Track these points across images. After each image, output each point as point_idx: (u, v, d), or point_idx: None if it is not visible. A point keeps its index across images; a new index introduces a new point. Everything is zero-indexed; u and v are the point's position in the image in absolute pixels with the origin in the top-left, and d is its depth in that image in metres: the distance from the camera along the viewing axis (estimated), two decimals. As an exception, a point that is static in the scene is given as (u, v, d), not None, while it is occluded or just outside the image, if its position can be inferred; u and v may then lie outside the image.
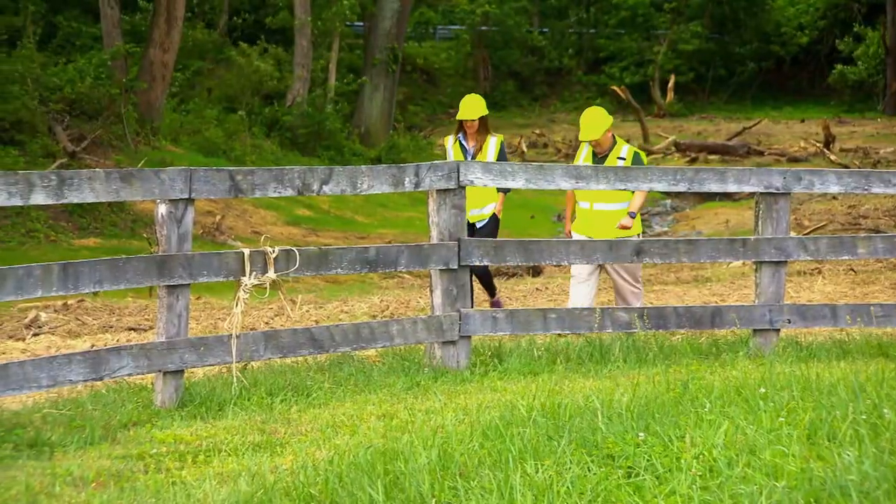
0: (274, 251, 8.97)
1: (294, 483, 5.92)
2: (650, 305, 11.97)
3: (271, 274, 8.95)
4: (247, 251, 8.91)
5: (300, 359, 9.87)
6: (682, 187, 10.38)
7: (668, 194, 32.24)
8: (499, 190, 12.56)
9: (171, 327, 8.57)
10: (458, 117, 12.89)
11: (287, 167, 9.30)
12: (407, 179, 9.54)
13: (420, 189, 9.66)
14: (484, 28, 49.10)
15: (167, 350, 8.50)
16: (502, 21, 49.00)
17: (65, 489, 6.54)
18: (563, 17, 52.75)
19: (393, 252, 9.61)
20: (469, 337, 9.86)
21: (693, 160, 35.92)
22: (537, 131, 42.55)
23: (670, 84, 47.31)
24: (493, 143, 12.81)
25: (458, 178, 9.69)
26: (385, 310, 14.83)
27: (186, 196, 8.53)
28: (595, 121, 11.88)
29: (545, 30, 52.05)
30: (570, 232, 12.08)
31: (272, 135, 33.33)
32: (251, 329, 11.80)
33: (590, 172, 10.14)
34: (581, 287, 11.87)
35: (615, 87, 43.92)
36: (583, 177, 10.11)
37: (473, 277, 12.43)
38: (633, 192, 11.45)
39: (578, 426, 6.24)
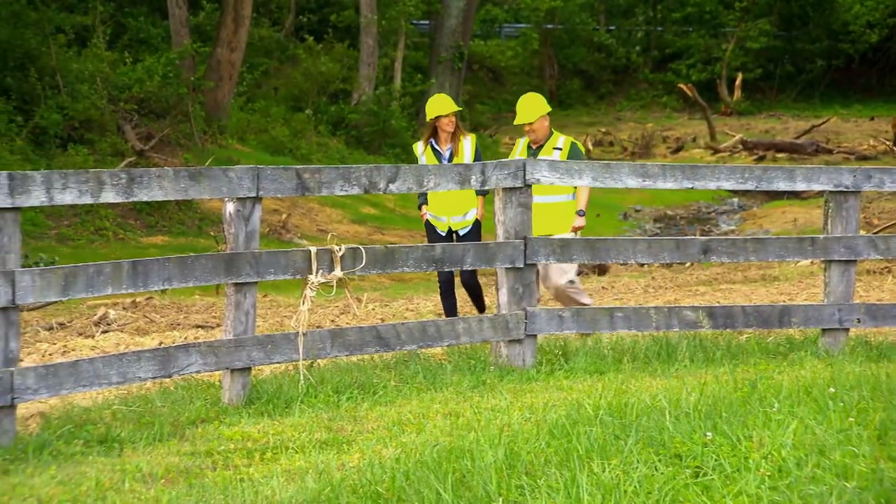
0: (341, 249, 9.00)
1: (361, 481, 5.94)
2: (718, 304, 11.87)
3: (338, 272, 8.98)
4: (314, 249, 8.94)
5: (366, 357, 9.89)
6: (750, 186, 10.31)
7: (735, 193, 32.04)
8: (478, 193, 11.76)
9: (239, 325, 8.61)
10: (430, 116, 11.96)
11: (354, 165, 9.33)
12: (473, 178, 9.54)
13: (486, 187, 9.68)
14: (550, 26, 48.97)
15: (235, 348, 8.55)
16: (568, 18, 48.84)
17: (134, 485, 6.59)
18: (629, 15, 52.53)
19: (459, 250, 9.61)
20: (535, 335, 9.85)
21: (760, 158, 35.65)
22: (603, 129, 42.40)
23: (738, 82, 46.95)
24: (468, 145, 11.99)
25: (525, 176, 9.68)
26: (451, 308, 14.81)
27: (254, 194, 8.58)
28: (531, 105, 11.62)
29: (612, 27, 51.85)
30: None
31: (338, 133, 33.43)
32: (317, 327, 11.85)
33: (657, 171, 10.09)
34: None
35: (682, 85, 43.67)
36: (650, 175, 10.06)
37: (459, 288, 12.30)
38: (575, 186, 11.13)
39: (645, 425, 6.21)
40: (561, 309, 10.17)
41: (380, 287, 18.24)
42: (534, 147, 11.64)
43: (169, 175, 8.26)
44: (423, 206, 12.05)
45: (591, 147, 38.81)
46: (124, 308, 14.90)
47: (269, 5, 41.22)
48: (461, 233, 11.94)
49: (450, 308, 12.05)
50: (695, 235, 21.87)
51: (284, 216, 24.30)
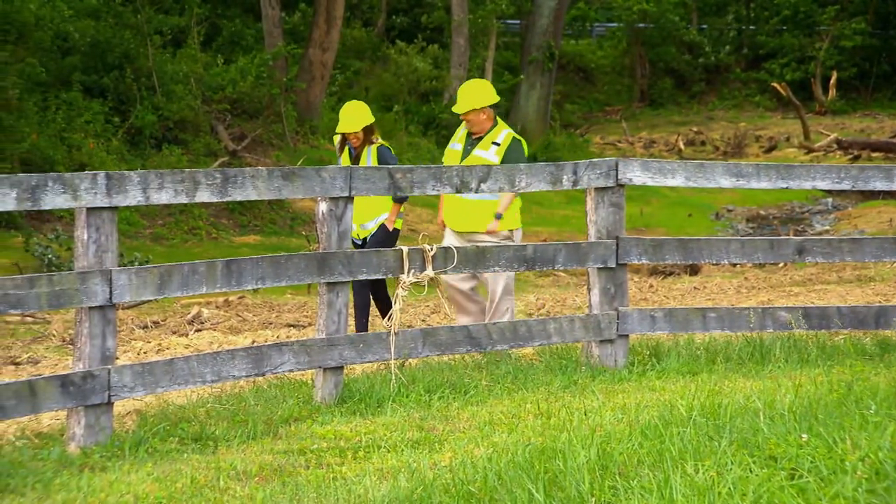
0: (432, 249, 9.02)
1: (453, 480, 5.94)
2: (812, 305, 11.75)
3: (429, 271, 9.00)
4: (405, 249, 8.97)
5: (457, 356, 9.91)
6: (845, 185, 10.19)
7: (829, 192, 31.67)
8: (395, 200, 11.27)
9: (331, 324, 8.66)
10: (338, 130, 11.54)
11: (445, 165, 9.35)
12: (565, 177, 9.52)
13: (578, 187, 9.63)
14: (641, 25, 48.71)
15: (327, 347, 8.60)
16: (660, 18, 48.55)
17: (229, 483, 6.65)
18: (721, 14, 52.10)
19: (550, 250, 9.60)
20: (627, 336, 9.81)
21: (855, 158, 35.21)
22: (695, 129, 42.09)
23: (832, 81, 46.40)
24: (370, 152, 11.47)
25: (617, 175, 9.64)
26: (541, 308, 14.82)
27: (346, 194, 8.62)
28: (470, 94, 10.98)
29: (703, 26, 51.47)
30: (442, 221, 11.18)
31: (428, 133, 33.51)
32: (408, 326, 11.88)
33: (751, 170, 10.00)
34: (457, 296, 11.08)
35: (775, 84, 43.25)
36: (744, 174, 9.97)
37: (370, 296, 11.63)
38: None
39: (739, 427, 6.16)
40: (653, 309, 10.12)
41: (470, 287, 18.23)
42: (474, 136, 11.01)
43: (263, 175, 8.32)
44: None
45: (682, 146, 38.57)
46: (217, 307, 15.05)
47: (361, 6, 41.41)
48: (367, 240, 11.45)
49: (363, 327, 11.47)
50: (788, 235, 21.67)
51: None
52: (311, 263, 8.53)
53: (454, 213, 10.95)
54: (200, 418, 8.21)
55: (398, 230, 11.60)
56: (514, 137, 10.94)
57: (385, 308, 11.40)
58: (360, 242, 11.45)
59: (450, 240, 10.78)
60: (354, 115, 11.46)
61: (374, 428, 7.86)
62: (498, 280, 10.86)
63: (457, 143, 11.08)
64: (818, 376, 7.97)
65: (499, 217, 10.81)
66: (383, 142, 11.63)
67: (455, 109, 11.03)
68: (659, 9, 47.32)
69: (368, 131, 11.50)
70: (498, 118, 11.11)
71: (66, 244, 16.91)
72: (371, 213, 11.39)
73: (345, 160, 11.59)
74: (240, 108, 28.07)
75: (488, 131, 10.97)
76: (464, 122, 11.06)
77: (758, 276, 18.21)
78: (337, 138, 11.73)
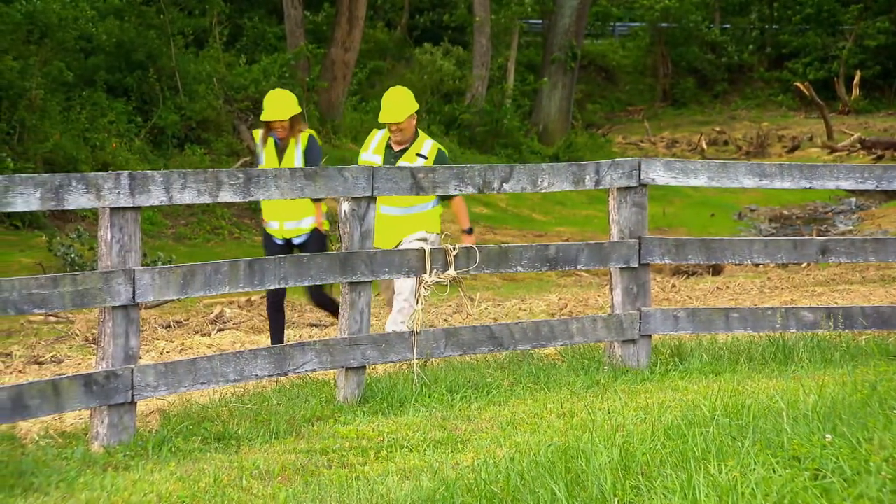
0: (455, 248, 9.02)
1: (476, 480, 5.94)
2: (836, 305, 11.70)
3: (452, 271, 9.00)
4: (428, 248, 8.97)
5: (479, 356, 9.91)
6: (869, 185, 10.15)
7: (852, 192, 31.57)
8: (314, 200, 10.72)
9: (354, 324, 8.67)
10: (263, 118, 10.96)
11: (468, 165, 9.35)
12: (587, 177, 9.51)
13: (600, 187, 9.62)
14: (664, 25, 48.65)
15: (350, 346, 8.61)
16: (682, 17, 48.47)
17: (252, 482, 6.66)
18: (744, 13, 51.99)
19: (573, 250, 9.59)
20: (649, 336, 9.80)
21: (879, 158, 35.09)
22: (717, 129, 42.01)
23: (856, 80, 46.25)
24: (298, 143, 10.91)
25: (640, 175, 9.62)
26: (563, 308, 14.81)
27: (369, 194, 8.63)
28: (400, 102, 10.49)
29: (726, 26, 51.37)
30: None
31: (451, 132, 33.52)
32: (430, 326, 11.90)
33: (774, 170, 9.97)
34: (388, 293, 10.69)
35: (798, 84, 43.15)
36: (767, 175, 9.94)
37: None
38: (431, 195, 9.90)
39: (763, 427, 6.14)
40: (676, 309, 10.10)
41: (492, 286, 18.25)
42: (395, 149, 10.52)
43: (285, 174, 8.34)
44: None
45: (705, 146, 38.50)
46: (239, 306, 15.07)
47: (384, 6, 41.45)
48: (295, 241, 10.92)
49: (277, 328, 11.09)
50: (812, 235, 21.60)
51: (397, 216, 24.39)
52: (334, 263, 8.54)
53: (383, 230, 10.20)
54: (223, 418, 8.23)
55: (327, 231, 11.13)
56: (439, 149, 10.55)
57: (331, 309, 11.17)
58: (282, 242, 10.95)
59: None
60: (282, 104, 10.93)
61: (396, 428, 7.87)
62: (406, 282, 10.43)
63: (374, 155, 10.57)
64: (842, 376, 7.94)
65: (470, 232, 10.53)
66: (311, 131, 11.12)
67: (388, 119, 10.42)
68: (681, 8, 47.23)
69: (295, 121, 10.94)
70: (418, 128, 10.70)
71: (88, 244, 16.96)
72: (297, 213, 10.84)
73: (269, 151, 11.01)
74: (262, 108, 28.08)
75: (412, 142, 10.55)
76: (379, 133, 10.63)
77: (781, 276, 18.17)
78: (259, 134, 11.12)
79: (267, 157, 11.00)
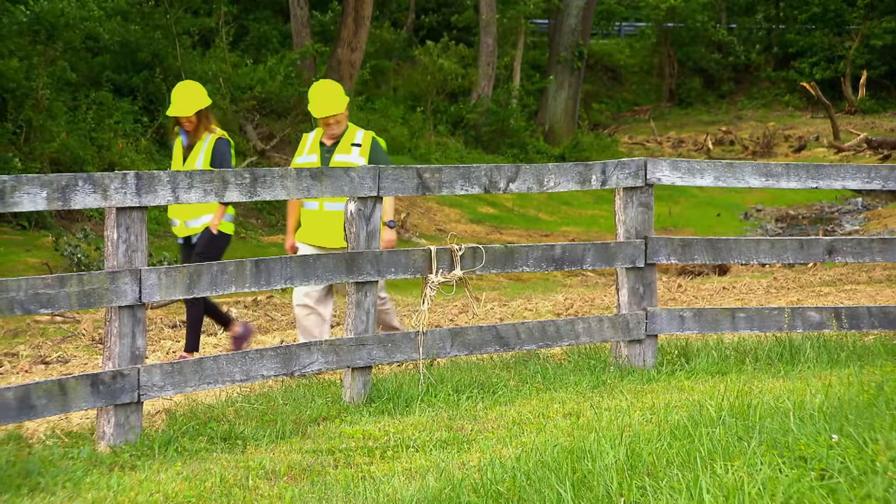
0: (461, 248, 9.02)
1: (482, 480, 5.94)
2: (842, 305, 11.68)
3: (458, 271, 9.00)
4: (434, 248, 8.97)
5: (485, 356, 9.91)
6: (875, 185, 10.15)
7: (859, 192, 31.54)
8: (223, 203, 10.41)
9: (360, 324, 8.67)
10: (168, 113, 10.63)
11: (474, 165, 9.35)
12: (594, 177, 9.51)
13: (606, 187, 9.61)
14: (670, 24, 48.62)
15: (356, 346, 8.61)
16: (688, 17, 48.45)
17: (258, 482, 6.66)
18: (750, 13, 51.95)
19: (579, 250, 9.58)
20: (656, 336, 9.79)
21: (885, 157, 35.04)
22: (723, 128, 42.00)
23: (862, 80, 46.20)
24: (206, 143, 10.62)
25: (646, 175, 9.62)
26: (569, 308, 14.81)
27: (375, 194, 8.63)
28: (333, 94, 10.18)
29: (733, 25, 51.34)
30: (292, 246, 10.31)
31: (456, 132, 33.52)
32: (436, 326, 11.89)
33: (780, 170, 9.97)
34: (311, 318, 10.18)
35: (804, 84, 43.10)
36: (773, 174, 9.93)
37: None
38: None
39: (769, 427, 6.14)
40: (682, 309, 10.10)
41: (498, 286, 18.26)
42: (328, 143, 10.20)
43: (292, 175, 8.34)
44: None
45: (711, 146, 38.48)
46: (245, 306, 15.08)
47: (389, 5, 41.46)
48: (193, 240, 10.71)
49: (219, 316, 11.10)
50: (818, 235, 21.58)
51: (403, 215, 24.42)
52: (340, 263, 8.54)
53: (314, 229, 10.15)
54: (229, 418, 8.24)
55: (228, 235, 10.76)
56: (373, 137, 10.26)
57: (217, 318, 11.08)
58: (182, 241, 10.82)
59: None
60: (188, 98, 10.58)
61: (402, 427, 7.87)
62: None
63: (309, 156, 10.24)
64: (848, 377, 7.93)
65: (392, 226, 10.18)
66: (223, 133, 10.77)
67: (325, 112, 10.10)
68: (687, 7, 47.21)
69: (204, 117, 10.63)
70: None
71: (94, 243, 16.97)
72: (196, 210, 10.55)
73: (177, 148, 10.72)
74: (268, 108, 28.12)
75: (342, 135, 10.22)
76: (311, 136, 10.33)
77: (787, 276, 18.16)
78: (177, 135, 10.81)
79: (175, 155, 10.73)
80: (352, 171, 8.58)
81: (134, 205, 7.58)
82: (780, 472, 5.44)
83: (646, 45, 50.24)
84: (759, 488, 5.26)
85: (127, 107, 24.53)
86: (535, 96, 37.51)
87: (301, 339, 10.14)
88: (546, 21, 41.66)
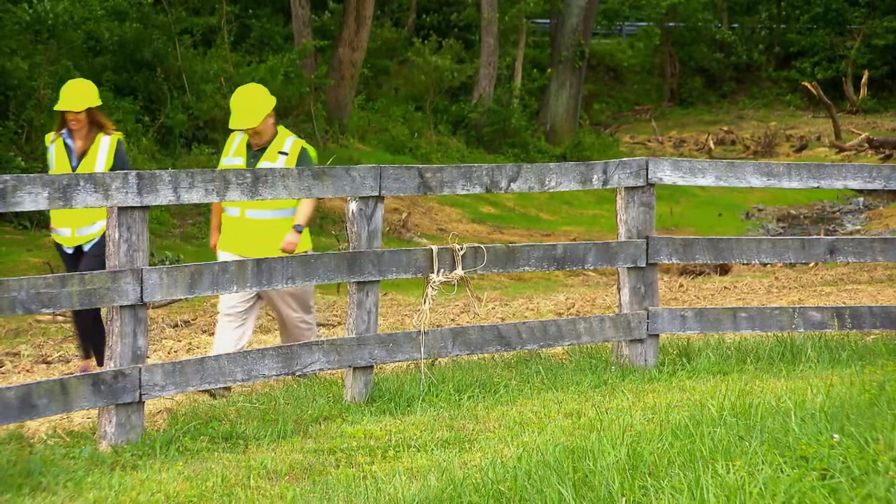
0: (462, 248, 9.02)
1: (483, 479, 5.95)
2: (844, 305, 11.70)
3: (459, 271, 9.00)
4: (435, 248, 8.97)
5: (487, 356, 9.91)
6: (877, 185, 10.14)
7: (860, 192, 31.53)
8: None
9: (361, 323, 8.67)
10: (57, 108, 10.13)
11: (475, 164, 9.35)
12: (595, 177, 9.50)
13: (608, 187, 9.61)
14: (671, 24, 48.59)
15: (357, 346, 8.61)
16: (690, 16, 48.41)
17: (259, 482, 6.67)
18: (752, 13, 51.91)
19: (580, 250, 9.58)
20: (657, 335, 9.79)
21: (887, 157, 35.03)
22: (725, 128, 41.95)
23: (864, 80, 46.16)
24: (104, 145, 10.13)
25: (647, 175, 9.62)
26: (571, 307, 14.81)
27: (377, 193, 8.63)
28: (253, 104, 9.94)
29: (734, 25, 51.31)
30: (214, 246, 10.10)
31: (458, 132, 33.51)
32: (437, 326, 11.90)
33: (781, 170, 9.96)
34: (231, 327, 9.85)
35: (806, 83, 43.07)
36: (774, 174, 9.93)
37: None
38: (297, 199, 9.54)
39: (770, 427, 6.14)
40: (683, 309, 10.10)
41: (499, 286, 18.26)
42: (255, 149, 9.91)
43: (293, 174, 8.34)
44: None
45: (712, 146, 38.46)
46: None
47: (391, 5, 41.45)
48: (86, 248, 10.18)
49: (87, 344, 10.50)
50: (819, 235, 21.58)
51: (404, 215, 24.42)
52: (341, 263, 8.54)
53: (235, 236, 9.89)
54: (231, 417, 8.24)
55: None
56: (302, 146, 9.99)
57: (85, 342, 10.56)
58: (71, 251, 10.25)
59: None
60: (78, 94, 10.11)
61: (403, 427, 7.87)
62: (289, 303, 9.95)
63: (234, 158, 9.95)
64: (850, 376, 7.94)
65: (299, 230, 9.81)
66: (119, 135, 10.31)
67: (243, 125, 9.87)
68: (688, 6, 47.15)
69: (95, 116, 10.15)
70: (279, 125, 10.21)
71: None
72: (90, 216, 10.05)
73: (58, 152, 10.20)
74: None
75: (271, 140, 9.98)
76: (239, 135, 10.04)
77: (788, 275, 18.16)
78: (49, 137, 10.36)
79: (57, 159, 10.20)
80: (353, 170, 8.58)
81: (135, 204, 7.59)
82: (782, 471, 5.44)
83: (647, 45, 50.20)
84: (760, 488, 5.26)
85: (128, 106, 24.51)
86: (537, 96, 37.46)
87: (216, 348, 9.82)
88: (547, 21, 41.62)
